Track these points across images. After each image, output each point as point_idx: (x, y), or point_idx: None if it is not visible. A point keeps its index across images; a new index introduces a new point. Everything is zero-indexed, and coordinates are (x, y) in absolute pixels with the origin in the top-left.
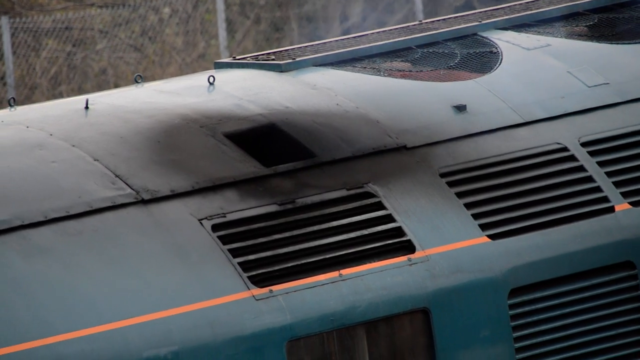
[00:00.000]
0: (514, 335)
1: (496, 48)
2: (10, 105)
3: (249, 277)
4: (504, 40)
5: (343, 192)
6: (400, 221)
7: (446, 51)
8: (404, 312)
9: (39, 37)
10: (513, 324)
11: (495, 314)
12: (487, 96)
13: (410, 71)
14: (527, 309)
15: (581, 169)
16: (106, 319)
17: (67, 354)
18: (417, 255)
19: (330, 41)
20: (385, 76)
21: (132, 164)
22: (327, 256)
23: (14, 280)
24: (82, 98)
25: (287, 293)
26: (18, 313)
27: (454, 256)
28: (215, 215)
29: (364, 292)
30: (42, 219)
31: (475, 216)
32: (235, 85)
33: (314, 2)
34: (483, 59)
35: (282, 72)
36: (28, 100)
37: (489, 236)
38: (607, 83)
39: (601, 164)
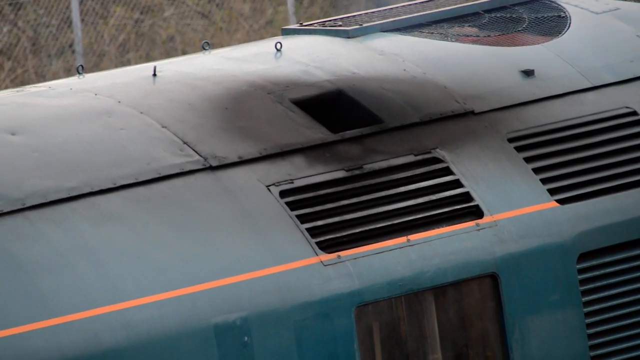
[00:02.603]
0: (583, 299)
1: (564, 12)
2: (79, 73)
3: (317, 243)
4: (572, 4)
5: (410, 158)
6: (468, 186)
7: (514, 16)
8: (472, 277)
9: (106, 5)
10: (582, 288)
11: (564, 279)
12: (555, 61)
13: (478, 36)
14: (596, 273)
15: None
16: (175, 285)
17: (136, 319)
18: (485, 220)
19: (397, 7)
20: (452, 41)
21: (200, 131)
22: (395, 222)
23: (84, 247)
24: (150, 65)
25: (355, 259)
26: (88, 279)
27: (522, 221)
28: (282, 182)
29: (432, 257)
30: (111, 185)
31: (544, 181)
32: (302, 51)
33: None
34: (551, 23)
35: (349, 38)
36: (96, 67)
37: (558, 201)
38: None
39: None
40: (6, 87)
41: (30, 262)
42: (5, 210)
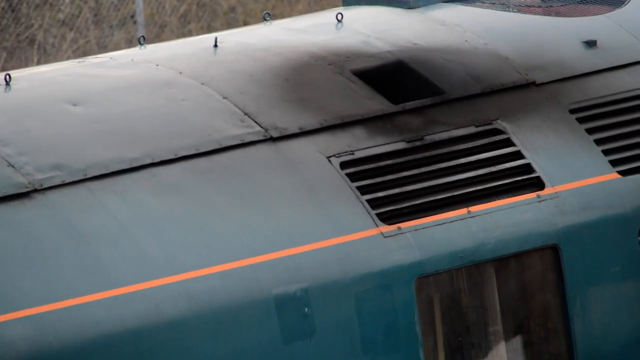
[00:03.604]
0: None
1: None
2: (140, 44)
3: (377, 215)
4: None
5: (472, 129)
6: (530, 157)
7: None
8: (534, 248)
9: None
10: None
11: (626, 251)
12: (617, 31)
13: (540, 7)
14: None
15: None
16: (236, 256)
17: (197, 290)
18: (546, 191)
19: None
20: (514, 12)
21: (261, 102)
22: (456, 193)
23: (145, 218)
24: (211, 36)
25: (415, 230)
26: (149, 250)
27: (584, 192)
28: (343, 153)
29: (493, 228)
30: (172, 156)
31: (606, 152)
32: (363, 22)
33: None
34: None
35: (410, 9)
36: (157, 38)
37: (620, 172)
38: None
39: None
40: (68, 58)
41: (92, 232)
42: (67, 181)
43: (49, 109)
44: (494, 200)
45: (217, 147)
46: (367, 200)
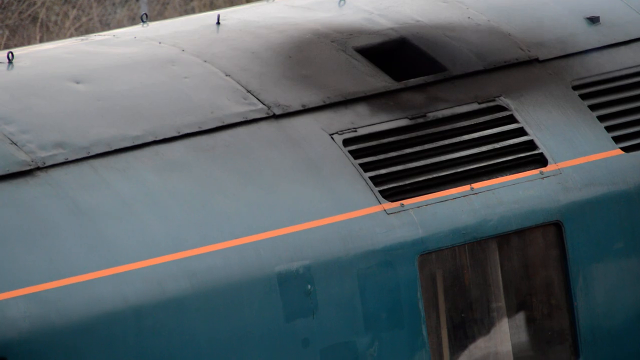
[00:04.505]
0: None
1: None
2: (143, 21)
3: (380, 192)
4: None
5: (474, 106)
6: (532, 134)
7: None
8: (536, 225)
9: None
10: None
11: (629, 227)
12: (620, 7)
13: None
14: None
15: None
16: (239, 233)
17: (199, 268)
18: (549, 168)
19: None
20: None
21: (264, 79)
22: (459, 170)
23: (148, 195)
24: (214, 14)
25: (418, 207)
26: (151, 228)
27: (586, 169)
28: (346, 130)
29: (496, 205)
30: (174, 134)
31: (609, 128)
32: None
33: None
34: None
35: None
36: (160, 16)
37: (623, 148)
38: None
39: None
40: (71, 36)
41: (95, 210)
42: (70, 159)
43: (52, 86)
44: (497, 177)
45: (220, 124)
46: (370, 178)
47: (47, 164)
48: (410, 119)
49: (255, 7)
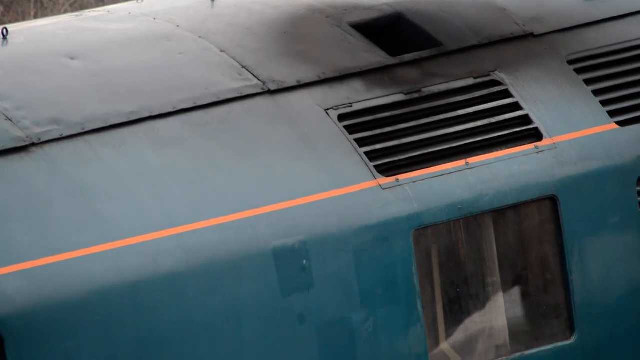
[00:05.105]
0: None
1: None
2: None
3: (375, 167)
4: None
5: (470, 81)
6: (528, 109)
7: None
8: (532, 199)
9: None
10: None
11: (623, 201)
12: None
13: None
14: None
15: None
16: (234, 208)
17: (195, 243)
18: (544, 142)
19: None
20: None
21: (259, 55)
22: (454, 145)
23: (143, 171)
24: None
25: (413, 182)
26: (147, 203)
27: (581, 143)
28: (341, 105)
29: (491, 180)
30: (170, 109)
31: (604, 103)
32: None
33: None
34: None
35: None
36: None
37: (618, 123)
38: None
39: None
40: (65, 12)
41: (90, 186)
42: (65, 135)
43: (47, 63)
44: (492, 151)
45: (215, 100)
46: (365, 153)
47: (42, 139)
48: (406, 94)
49: None
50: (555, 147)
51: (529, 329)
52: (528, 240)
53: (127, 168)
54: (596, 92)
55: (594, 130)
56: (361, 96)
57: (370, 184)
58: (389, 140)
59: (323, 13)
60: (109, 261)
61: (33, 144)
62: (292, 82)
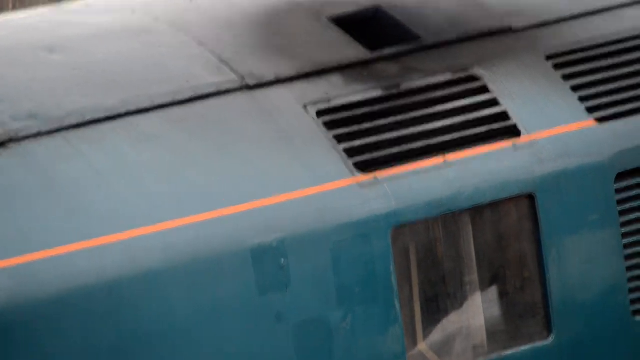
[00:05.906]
0: (620, 220)
1: None
2: None
3: (353, 164)
4: None
5: (448, 76)
6: (505, 105)
7: None
8: (510, 197)
9: None
10: (620, 208)
11: (602, 199)
12: None
13: None
14: (634, 193)
15: None
16: (211, 206)
17: (175, 241)
18: (522, 139)
19: None
20: None
21: (237, 49)
22: (432, 142)
23: (122, 167)
24: None
25: (392, 179)
26: (127, 200)
27: (560, 140)
28: (319, 101)
29: (470, 177)
30: (149, 104)
31: (582, 99)
32: None
33: None
34: None
35: None
36: None
37: (597, 119)
38: None
39: None
40: (44, 4)
41: (69, 182)
42: (43, 130)
43: (25, 56)
44: (470, 148)
45: (194, 95)
46: (344, 149)
47: (20, 135)
48: (384, 90)
49: None
50: (534, 144)
51: (507, 329)
52: (506, 237)
53: (107, 164)
54: (574, 88)
55: (573, 126)
56: (340, 91)
57: (349, 181)
58: (367, 136)
59: (301, 7)
60: (88, 259)
61: (11, 140)
62: (270, 77)
